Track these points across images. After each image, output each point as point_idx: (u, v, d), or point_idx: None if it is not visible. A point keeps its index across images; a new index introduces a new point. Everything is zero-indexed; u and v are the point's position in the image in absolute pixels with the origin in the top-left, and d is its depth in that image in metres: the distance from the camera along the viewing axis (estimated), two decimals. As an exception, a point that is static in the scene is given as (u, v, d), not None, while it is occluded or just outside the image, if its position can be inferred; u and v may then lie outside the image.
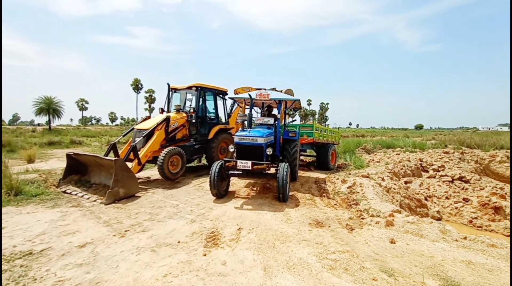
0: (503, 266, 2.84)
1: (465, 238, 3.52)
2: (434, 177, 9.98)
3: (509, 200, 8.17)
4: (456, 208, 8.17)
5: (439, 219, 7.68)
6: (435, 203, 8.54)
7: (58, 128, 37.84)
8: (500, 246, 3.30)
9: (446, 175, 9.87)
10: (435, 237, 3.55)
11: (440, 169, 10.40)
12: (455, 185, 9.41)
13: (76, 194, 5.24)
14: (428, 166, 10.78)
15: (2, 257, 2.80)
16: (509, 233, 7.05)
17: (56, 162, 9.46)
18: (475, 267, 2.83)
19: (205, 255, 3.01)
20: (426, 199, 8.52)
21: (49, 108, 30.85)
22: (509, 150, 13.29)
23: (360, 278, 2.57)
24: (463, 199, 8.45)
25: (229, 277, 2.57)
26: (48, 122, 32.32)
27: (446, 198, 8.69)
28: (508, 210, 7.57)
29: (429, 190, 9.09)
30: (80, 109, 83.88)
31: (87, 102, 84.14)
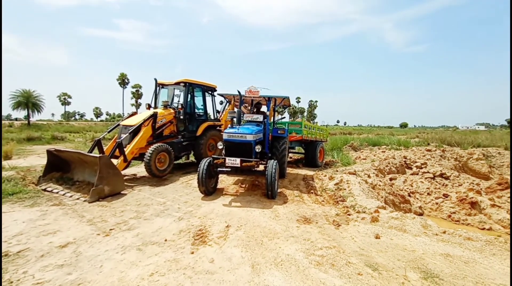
0: (478, 258, 3.00)
1: (444, 232, 3.68)
2: (417, 174, 10.36)
3: (481, 197, 8.60)
4: (437, 203, 8.53)
5: (421, 214, 7.99)
6: (417, 199, 8.87)
7: (38, 123, 36.10)
8: (475, 239, 3.48)
9: (428, 172, 10.27)
10: (417, 232, 3.69)
11: (423, 166, 10.80)
12: (436, 182, 9.81)
13: (57, 192, 5.04)
14: (412, 163, 11.17)
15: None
16: (483, 227, 7.45)
17: (36, 159, 9.05)
18: (453, 259, 2.97)
19: (192, 253, 2.98)
20: (409, 195, 8.84)
21: (28, 102, 29.37)
22: (486, 148, 13.99)
23: (346, 273, 2.63)
24: (443, 195, 8.82)
25: (216, 275, 2.56)
26: (27, 117, 30.82)
27: (428, 194, 9.05)
28: (483, 205, 7.98)
29: (412, 186, 9.43)
30: (62, 104, 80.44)
31: (70, 97, 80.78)
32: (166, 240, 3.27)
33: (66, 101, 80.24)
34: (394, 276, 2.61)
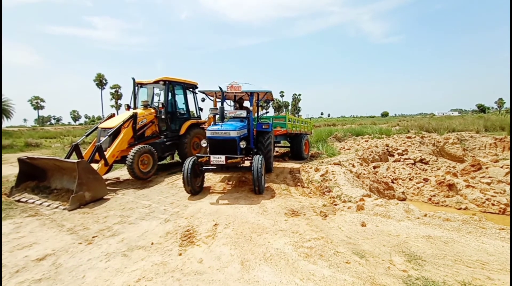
0: (456, 237, 3.16)
1: (425, 215, 3.84)
2: (399, 161, 10.76)
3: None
4: (418, 188, 8.92)
5: (404, 199, 8.33)
6: (400, 185, 9.23)
7: (8, 130, 33.86)
8: (453, 219, 3.66)
9: (409, 158, 10.69)
10: (401, 217, 3.82)
11: (404, 153, 11.22)
12: (417, 167, 10.23)
13: (33, 202, 4.76)
14: (394, 151, 11.57)
15: None
16: (460, 207, 7.90)
17: (8, 168, 8.49)
18: (434, 240, 3.11)
19: (180, 254, 2.92)
20: (392, 182, 9.17)
21: (-4, 107, 27.47)
22: (460, 133, 14.76)
23: (334, 263, 2.68)
24: (424, 179, 9.24)
25: (206, 275, 2.52)
26: (-4, 124, 28.83)
27: (410, 179, 9.43)
28: (459, 186, 8.44)
29: (395, 173, 9.78)
30: (35, 108, 75.74)
31: (43, 100, 76.15)
32: (152, 244, 3.19)
33: (39, 105, 75.66)
34: (380, 261, 2.70)
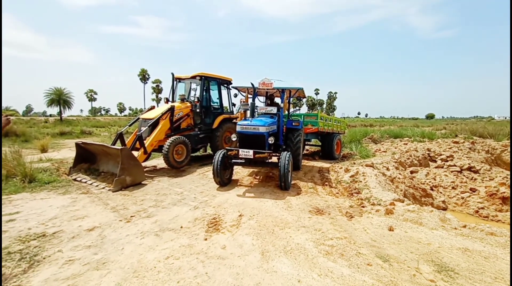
0: (500, 254, 2.85)
1: (464, 226, 3.52)
2: (442, 167, 9.82)
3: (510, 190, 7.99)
4: (463, 198, 8.08)
5: (444, 208, 7.63)
6: (441, 193, 8.46)
7: (69, 118, 38.70)
8: (499, 234, 3.29)
9: (455, 165, 9.69)
10: (434, 225, 3.56)
11: (448, 159, 10.21)
12: (463, 175, 9.24)
13: (85, 182, 5.46)
14: (436, 156, 10.59)
15: (19, 238, 3.00)
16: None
17: (68, 152, 9.78)
18: (472, 254, 2.85)
19: (206, 239, 3.13)
20: (431, 189, 8.45)
21: (60, 99, 31.42)
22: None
23: (355, 263, 2.63)
24: (470, 189, 8.33)
25: (227, 260, 2.68)
26: (59, 113, 33.08)
27: (453, 188, 8.58)
28: (516, 200, 7.42)
29: (435, 180, 8.98)
30: (89, 100, 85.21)
31: (95, 93, 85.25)
32: (181, 227, 3.46)
33: (92, 97, 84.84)
34: (406, 268, 2.58)
